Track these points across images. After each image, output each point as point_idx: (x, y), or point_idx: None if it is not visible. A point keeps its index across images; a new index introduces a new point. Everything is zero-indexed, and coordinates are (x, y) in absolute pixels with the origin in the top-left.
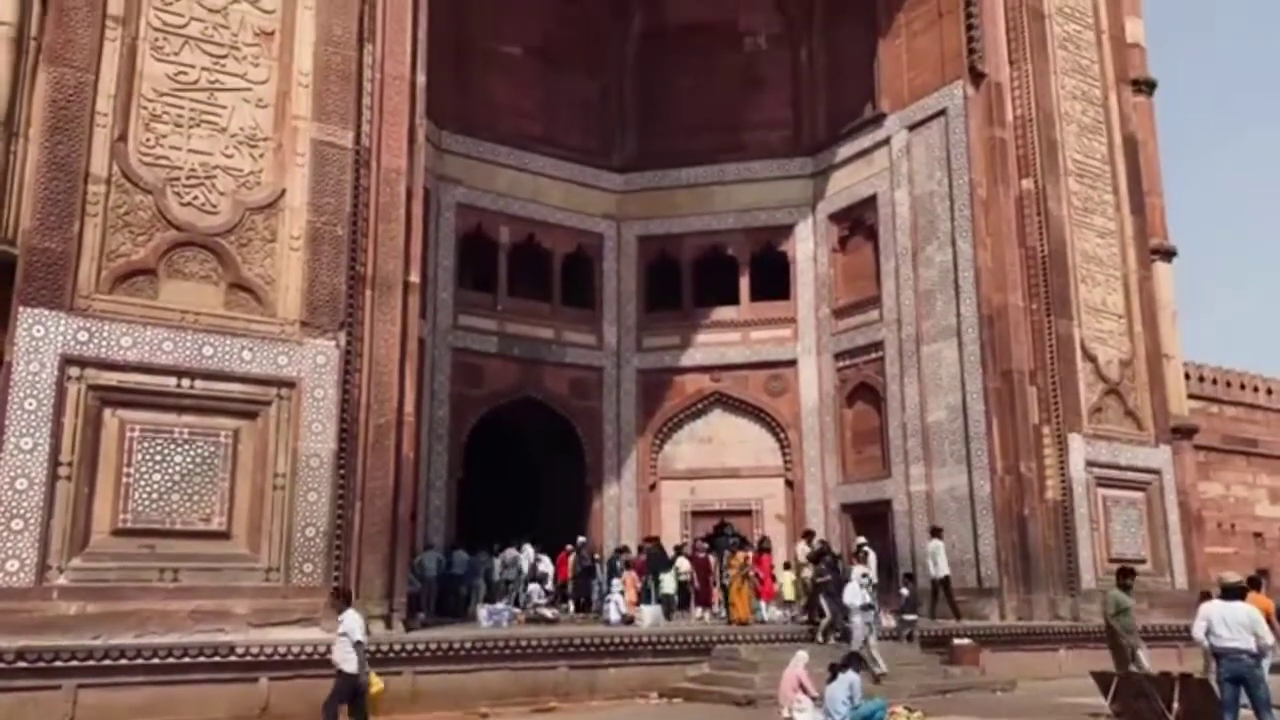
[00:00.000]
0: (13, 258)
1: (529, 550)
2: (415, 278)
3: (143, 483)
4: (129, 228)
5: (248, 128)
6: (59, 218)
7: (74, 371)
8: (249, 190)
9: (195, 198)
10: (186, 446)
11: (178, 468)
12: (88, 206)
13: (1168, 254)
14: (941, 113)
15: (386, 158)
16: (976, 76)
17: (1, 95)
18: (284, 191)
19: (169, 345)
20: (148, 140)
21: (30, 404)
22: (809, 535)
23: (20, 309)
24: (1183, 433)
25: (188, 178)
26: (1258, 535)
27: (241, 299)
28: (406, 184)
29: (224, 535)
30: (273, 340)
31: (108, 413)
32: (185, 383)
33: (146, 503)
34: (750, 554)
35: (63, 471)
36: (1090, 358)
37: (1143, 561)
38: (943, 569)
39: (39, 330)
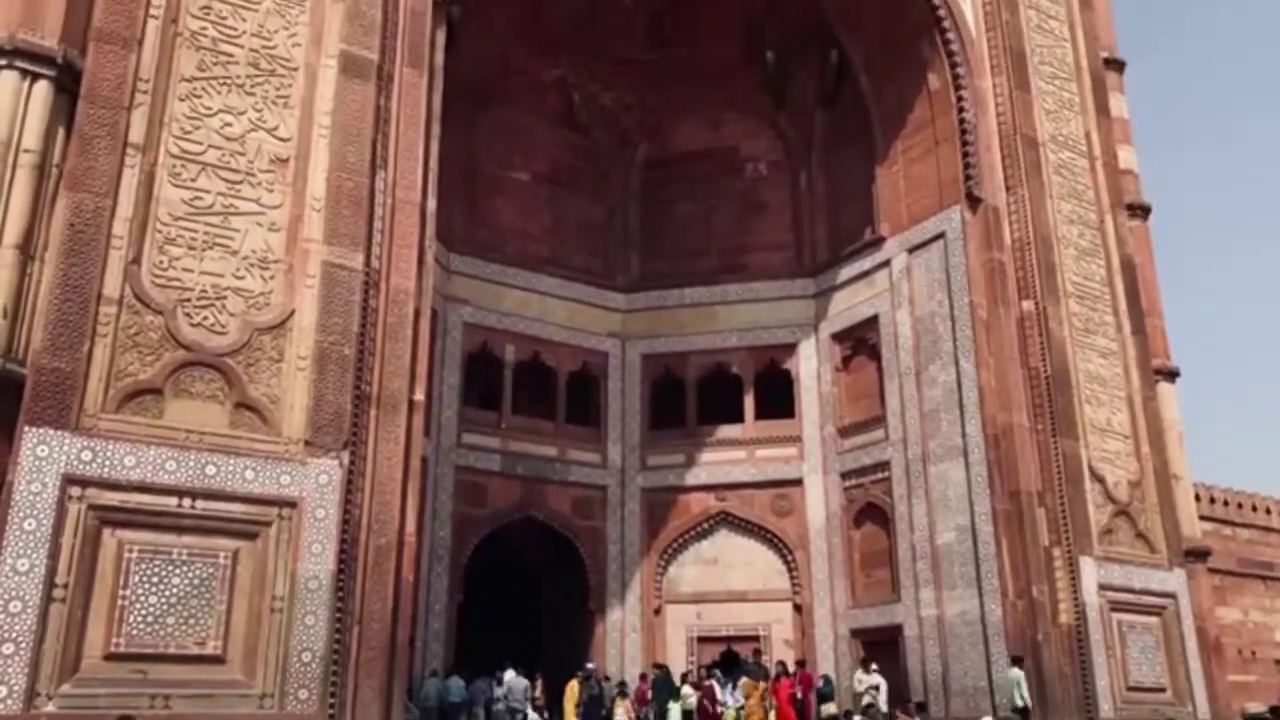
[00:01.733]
0: (22, 377)
1: (529, 683)
2: (420, 396)
3: (138, 605)
4: (138, 348)
5: (260, 250)
6: (70, 338)
7: (75, 491)
8: (258, 311)
9: (205, 318)
10: (185, 568)
11: (175, 590)
12: (98, 327)
13: (1170, 374)
14: (940, 236)
15: (395, 279)
16: (974, 201)
17: (21, 219)
18: (293, 312)
19: (172, 465)
20: (161, 262)
21: (29, 524)
22: (866, 663)
23: (26, 428)
24: (1196, 555)
25: (198, 299)
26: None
27: (246, 418)
28: (414, 304)
29: (218, 660)
30: (276, 459)
31: (107, 533)
32: (186, 503)
33: (141, 626)
34: (770, 681)
35: (57, 594)
36: (1098, 478)
37: (1162, 690)
38: (1026, 698)
39: (43, 450)
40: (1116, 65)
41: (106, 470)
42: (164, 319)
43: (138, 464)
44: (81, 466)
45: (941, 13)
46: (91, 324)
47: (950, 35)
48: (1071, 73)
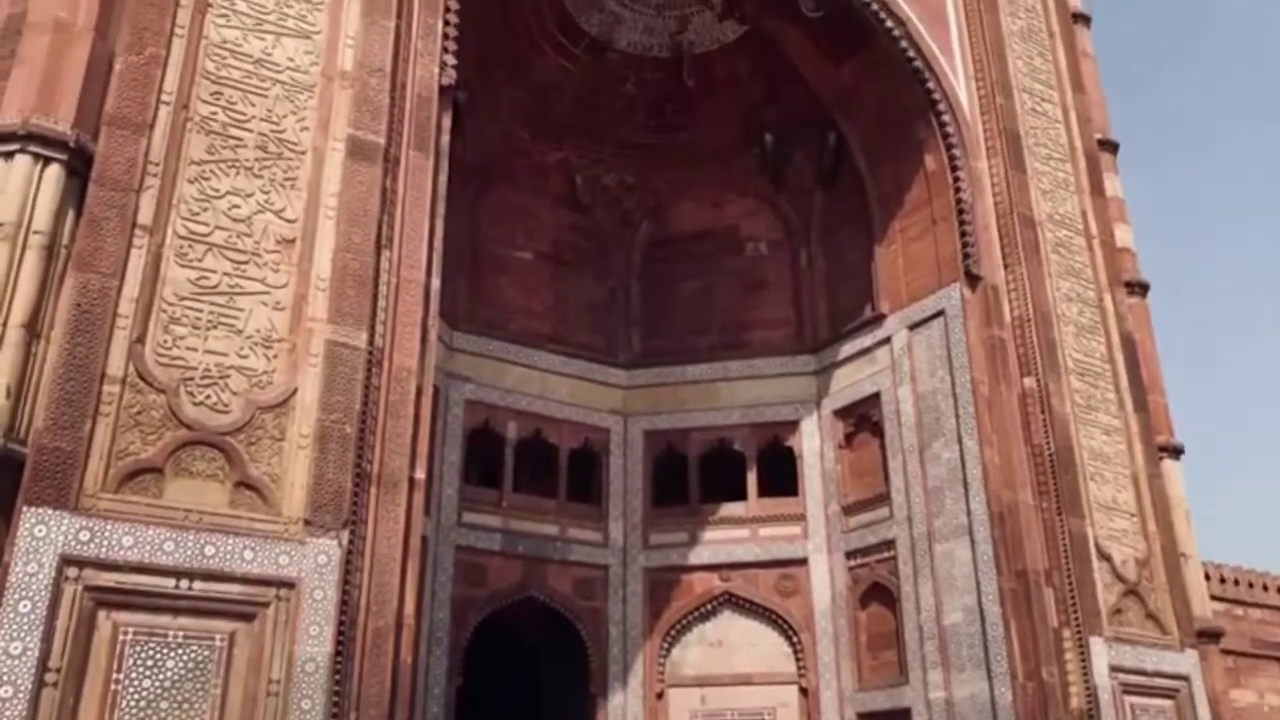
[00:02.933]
0: (23, 456)
1: None
2: (421, 474)
3: (131, 690)
4: (139, 427)
5: (264, 329)
6: (72, 417)
7: (72, 572)
8: (261, 390)
9: (208, 397)
10: (180, 651)
11: (169, 673)
12: (101, 406)
13: (1175, 451)
14: (940, 313)
15: (398, 357)
16: (972, 279)
17: (29, 299)
18: (296, 391)
19: (170, 545)
20: (165, 342)
21: (24, 606)
22: None
23: (24, 509)
24: (1208, 636)
25: (202, 378)
26: None
27: (246, 497)
28: (417, 382)
29: None
30: (275, 539)
31: (102, 615)
32: (184, 584)
33: (133, 712)
34: None
35: (50, 678)
36: (1105, 557)
37: None
38: None
39: (41, 530)
40: (1110, 146)
41: (104, 551)
42: (167, 398)
43: (136, 544)
44: (79, 547)
45: (937, 96)
46: (94, 403)
47: (946, 118)
48: (1066, 154)
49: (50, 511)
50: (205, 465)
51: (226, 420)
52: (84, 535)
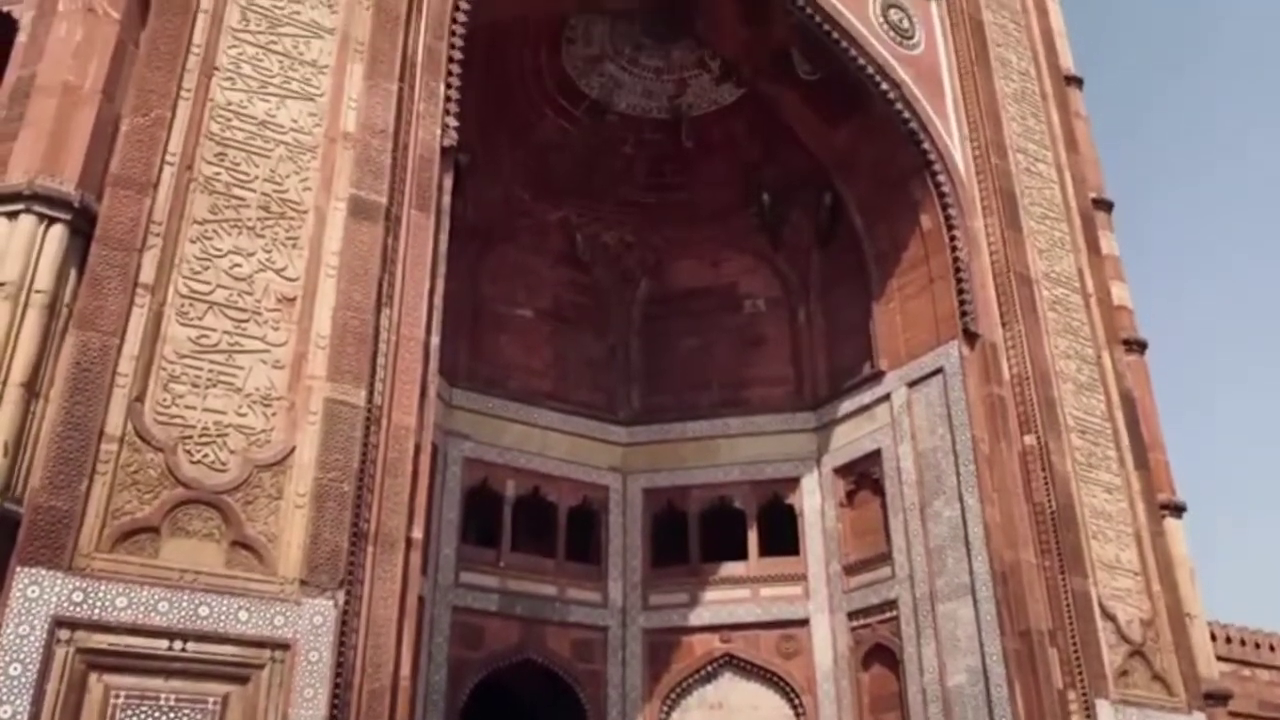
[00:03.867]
0: (19, 516)
1: None
2: (418, 534)
3: None
4: (136, 485)
5: (263, 387)
6: (69, 476)
7: (64, 634)
8: (259, 448)
9: (205, 455)
10: (172, 714)
11: None
12: (98, 465)
13: (1178, 509)
14: (939, 371)
15: (397, 415)
16: (970, 337)
17: (29, 358)
18: (294, 449)
19: (164, 605)
20: (164, 400)
21: (15, 669)
22: None
23: (18, 569)
24: (1216, 698)
25: (200, 436)
26: None
27: (242, 557)
28: (415, 440)
29: None
30: (270, 600)
31: (93, 677)
32: (178, 645)
33: None
34: None
35: None
36: (1110, 617)
37: None
38: None
39: (34, 591)
40: (1105, 205)
41: (97, 612)
42: (164, 456)
43: (129, 605)
44: (72, 608)
45: (932, 157)
46: (92, 462)
47: (941, 178)
48: (1061, 213)
49: (44, 572)
50: (202, 524)
51: (224, 479)
52: (77, 596)
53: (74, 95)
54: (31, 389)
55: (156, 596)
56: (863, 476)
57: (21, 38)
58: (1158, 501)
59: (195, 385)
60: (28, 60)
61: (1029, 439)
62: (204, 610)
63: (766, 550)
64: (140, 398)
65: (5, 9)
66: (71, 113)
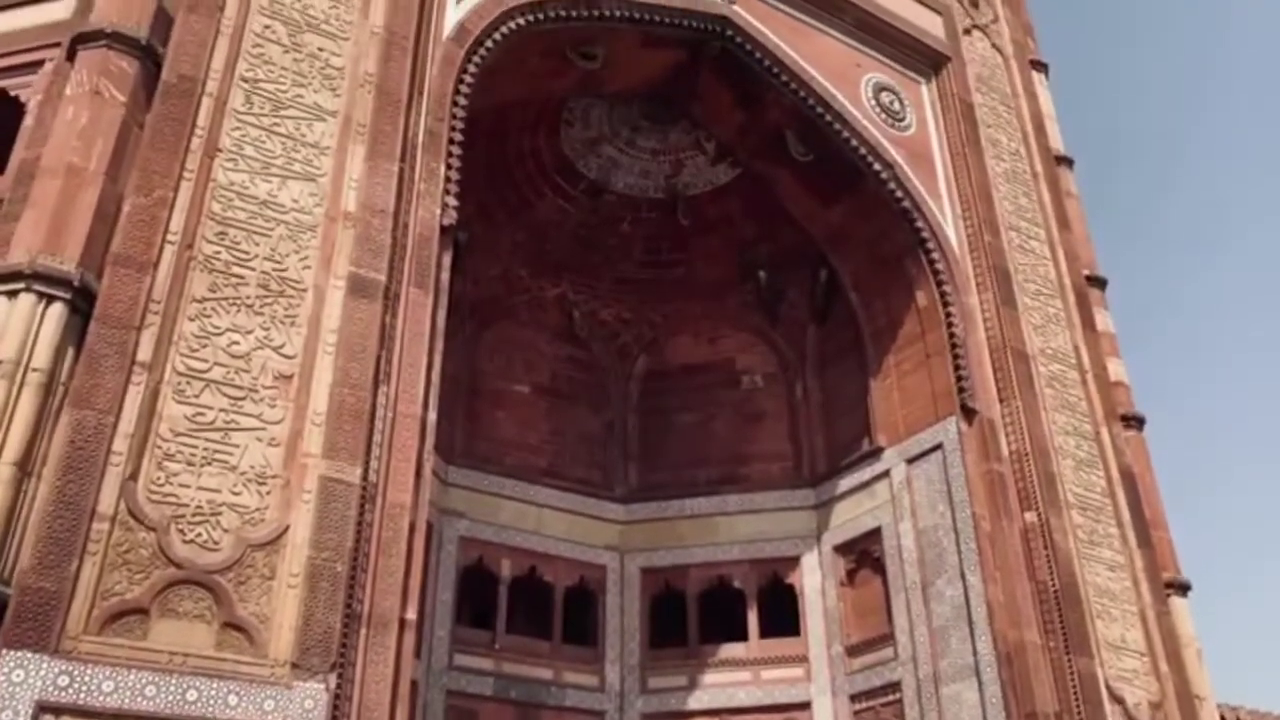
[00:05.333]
0: (5, 598)
1: None
2: (412, 615)
3: None
4: (127, 565)
5: (258, 465)
6: (59, 556)
7: (49, 719)
8: (253, 527)
9: (198, 535)
10: None
11: None
12: (89, 545)
13: (1182, 588)
14: (938, 447)
15: (392, 493)
16: (969, 413)
17: (22, 436)
18: (288, 528)
19: (152, 690)
20: (158, 478)
21: None
22: None
23: (3, 651)
24: None
25: (193, 515)
26: None
27: (233, 639)
28: (410, 519)
29: None
30: (261, 683)
31: None
32: None
33: None
34: None
35: None
36: (1117, 699)
37: None
38: None
39: (19, 675)
40: (1098, 282)
41: (83, 697)
42: (156, 536)
43: (116, 689)
44: (57, 693)
45: (926, 235)
46: (82, 542)
47: (935, 255)
48: (1055, 289)
49: (30, 655)
50: (192, 605)
51: (216, 558)
52: (63, 680)
53: (78, 176)
54: (24, 468)
55: (144, 680)
56: (863, 555)
57: (28, 121)
58: (1162, 580)
59: (190, 463)
60: (33, 143)
61: (1030, 516)
62: (192, 694)
63: (767, 631)
64: (134, 476)
65: (13, 93)
66: (75, 193)
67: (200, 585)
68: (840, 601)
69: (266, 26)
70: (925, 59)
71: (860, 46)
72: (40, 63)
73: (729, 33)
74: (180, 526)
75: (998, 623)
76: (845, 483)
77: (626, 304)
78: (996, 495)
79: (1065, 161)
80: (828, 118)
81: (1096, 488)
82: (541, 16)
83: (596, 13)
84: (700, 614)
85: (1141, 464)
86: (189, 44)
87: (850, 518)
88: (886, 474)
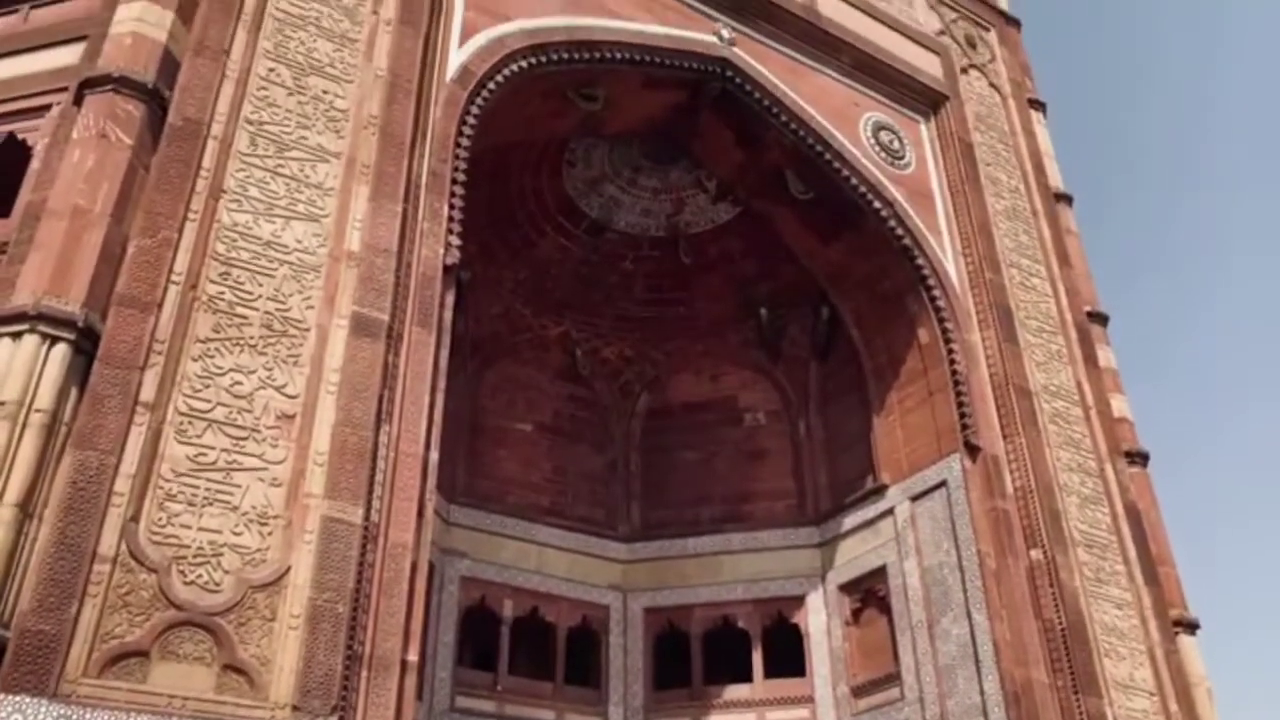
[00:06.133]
0: (5, 641)
1: None
2: (414, 656)
3: None
4: (128, 608)
5: (260, 506)
6: (59, 599)
7: None
8: (254, 568)
9: (199, 576)
10: None
11: None
12: (89, 587)
13: (1191, 626)
14: (942, 484)
15: (394, 533)
16: (972, 450)
17: (25, 478)
18: (289, 569)
19: None
20: (159, 519)
21: None
22: None
23: (2, 696)
24: None
25: (194, 556)
26: None
27: (234, 682)
28: (412, 558)
29: None
30: None
31: None
32: None
33: None
34: None
35: None
36: None
37: None
38: None
39: (17, 719)
40: (1100, 319)
41: None
42: (158, 577)
43: None
44: None
45: (926, 272)
46: (83, 584)
47: (936, 292)
48: (1057, 326)
49: (28, 699)
50: (193, 647)
51: (218, 600)
52: None
53: (83, 218)
54: (26, 509)
55: None
56: (868, 593)
57: (35, 164)
58: (1170, 618)
59: (191, 504)
60: (39, 185)
61: (1035, 553)
62: None
63: (771, 671)
64: (135, 517)
65: (20, 136)
66: (80, 235)
67: (201, 627)
68: (845, 641)
69: (271, 70)
70: (924, 98)
71: (859, 86)
72: (48, 107)
73: (729, 73)
74: (181, 568)
75: (1005, 661)
76: (849, 520)
77: (628, 342)
78: (1001, 532)
79: (1065, 199)
80: (827, 156)
81: (1102, 524)
82: (543, 59)
83: (597, 55)
84: (704, 654)
85: (1146, 500)
86: (195, 87)
87: (855, 556)
88: (891, 511)
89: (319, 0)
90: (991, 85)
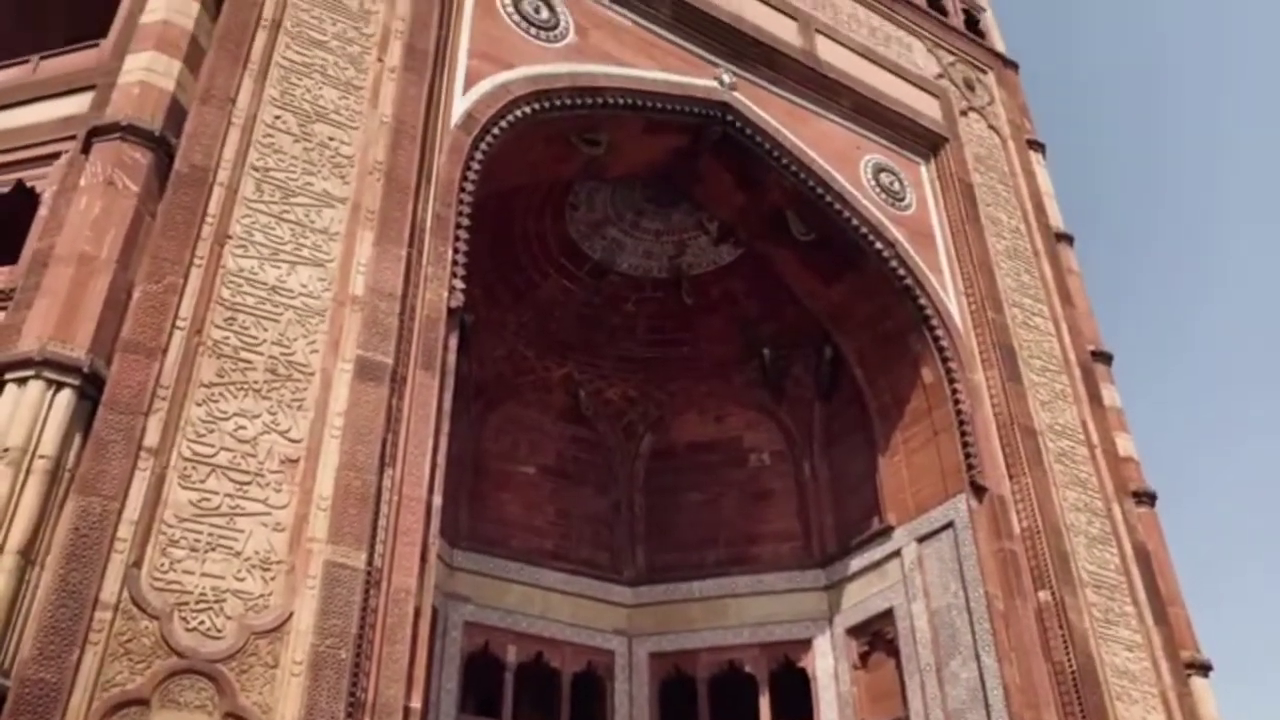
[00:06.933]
0: (5, 690)
1: None
2: (417, 703)
3: None
4: (129, 655)
5: (263, 551)
6: (60, 646)
7: None
8: (256, 614)
9: (201, 623)
10: None
11: None
12: (90, 635)
13: (1204, 668)
14: (949, 525)
15: (397, 577)
16: (978, 490)
17: (27, 525)
18: (292, 615)
19: None
20: (162, 565)
21: None
22: None
23: None
24: None
25: (197, 602)
26: None
27: None
28: (415, 604)
29: None
30: None
31: None
32: None
33: None
34: None
35: None
36: None
37: None
38: None
39: None
40: (1104, 357)
41: None
42: (159, 624)
43: None
44: None
45: (929, 311)
46: (84, 631)
47: (939, 332)
48: (1061, 365)
49: None
50: (194, 695)
51: (219, 647)
52: None
53: (90, 264)
54: (28, 556)
55: None
56: (876, 636)
57: (43, 211)
58: (1182, 659)
59: (194, 549)
60: (47, 232)
61: (1044, 595)
62: None
63: (779, 716)
64: (138, 563)
65: (29, 184)
66: (86, 281)
67: (202, 675)
68: (854, 685)
69: (277, 117)
70: (923, 140)
71: (859, 129)
72: (56, 155)
73: (729, 118)
74: (183, 614)
75: (1015, 705)
76: (856, 563)
77: (632, 383)
78: (1009, 574)
79: (1065, 238)
80: (828, 198)
81: (1110, 565)
82: (546, 105)
83: (600, 101)
84: (711, 700)
85: (1155, 540)
86: (201, 135)
87: (862, 599)
88: (898, 553)
89: (325, 49)
90: (990, 127)
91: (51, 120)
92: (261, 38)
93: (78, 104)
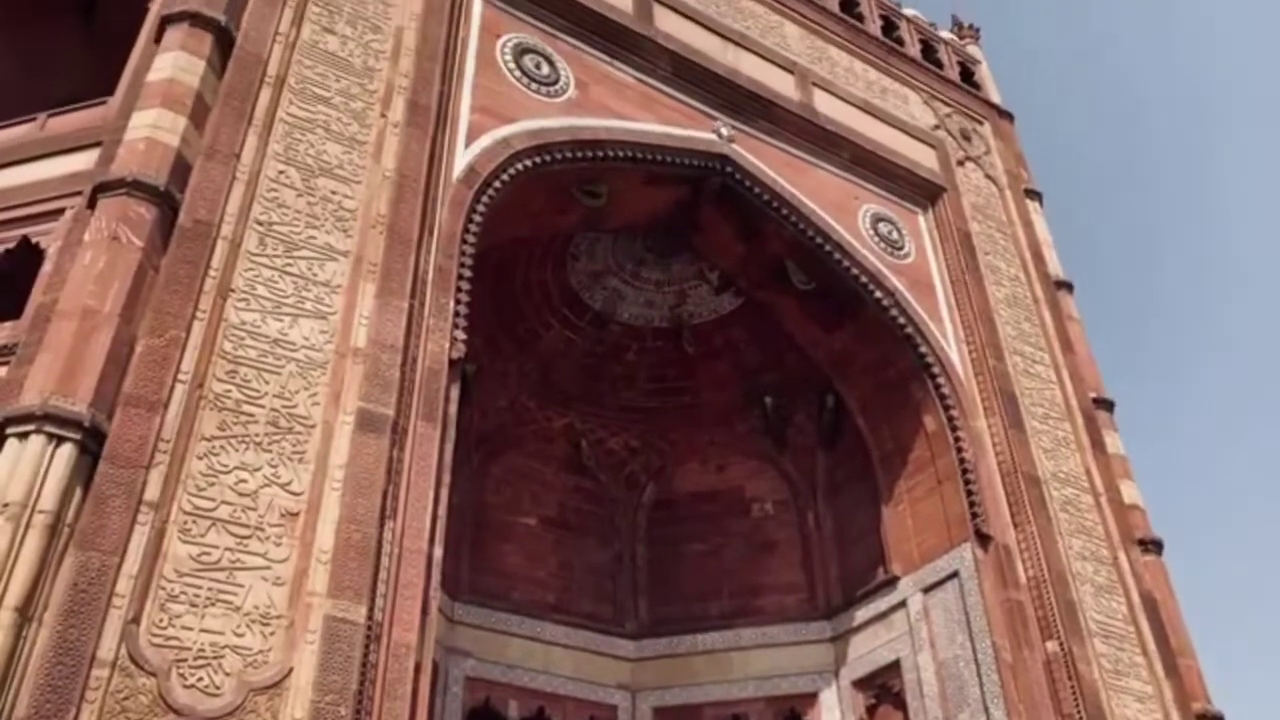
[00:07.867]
0: None
1: None
2: None
3: None
4: (126, 713)
5: (263, 606)
6: (56, 705)
7: None
8: (255, 670)
9: (200, 679)
10: None
11: None
12: (87, 693)
13: None
14: (954, 575)
15: (398, 632)
16: (983, 539)
17: (25, 581)
18: (291, 670)
19: None
20: (161, 621)
21: None
22: None
23: None
24: None
25: (195, 658)
26: None
27: None
28: (416, 659)
29: None
30: None
31: None
32: None
33: None
34: None
35: None
36: None
37: None
38: None
39: None
40: (1106, 404)
41: None
42: (157, 681)
43: None
44: None
45: (930, 359)
46: (81, 689)
47: (941, 380)
48: (1063, 413)
49: None
50: None
51: (218, 704)
52: None
53: (92, 319)
54: (25, 613)
55: None
56: (883, 689)
57: (47, 266)
58: (1193, 711)
59: (193, 604)
60: (51, 287)
61: (1051, 645)
62: None
63: None
64: (136, 619)
65: (35, 240)
66: (89, 335)
67: None
68: None
69: (281, 172)
70: (921, 190)
71: (857, 180)
72: (62, 210)
73: (728, 169)
74: (181, 671)
75: None
76: (861, 614)
77: (633, 432)
78: (1016, 624)
79: (1065, 286)
80: (827, 248)
81: (1118, 614)
82: (547, 158)
83: (600, 154)
84: None
85: (1163, 589)
86: (206, 189)
87: (868, 651)
88: (903, 604)
89: (328, 105)
90: (988, 176)
91: (58, 176)
92: (266, 94)
93: (84, 160)
